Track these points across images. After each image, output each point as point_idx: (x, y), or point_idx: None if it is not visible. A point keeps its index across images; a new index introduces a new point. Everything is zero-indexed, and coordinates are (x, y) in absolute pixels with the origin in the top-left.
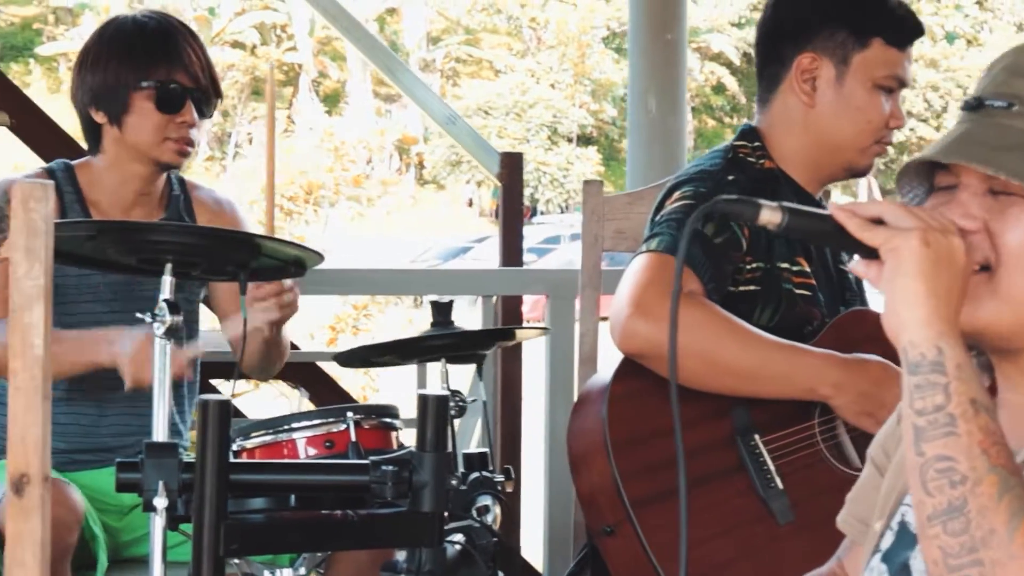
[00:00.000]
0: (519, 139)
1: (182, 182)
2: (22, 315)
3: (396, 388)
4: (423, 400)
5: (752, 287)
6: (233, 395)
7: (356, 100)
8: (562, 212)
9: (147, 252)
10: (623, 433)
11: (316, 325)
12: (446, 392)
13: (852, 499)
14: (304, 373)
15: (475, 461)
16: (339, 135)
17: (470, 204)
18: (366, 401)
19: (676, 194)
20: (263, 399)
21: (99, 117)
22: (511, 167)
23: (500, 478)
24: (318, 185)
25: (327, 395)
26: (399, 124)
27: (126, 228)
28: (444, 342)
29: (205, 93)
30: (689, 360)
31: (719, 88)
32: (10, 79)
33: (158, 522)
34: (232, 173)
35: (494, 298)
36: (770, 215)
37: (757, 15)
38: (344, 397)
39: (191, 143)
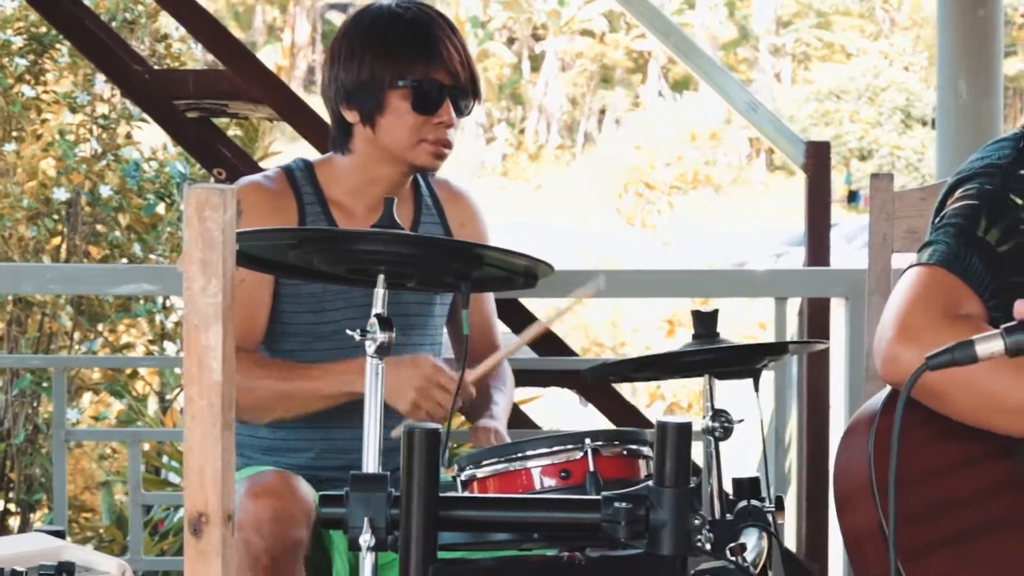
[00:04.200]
0: (871, 123)
1: (425, 176)
2: (198, 336)
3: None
4: (662, 429)
5: None
6: (520, 402)
7: (705, 85)
8: None
9: (356, 262)
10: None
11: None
12: (687, 420)
13: None
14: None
15: (745, 488)
16: (688, 122)
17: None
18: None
19: (957, 192)
20: (549, 405)
21: (351, 116)
22: (817, 157)
23: (771, 508)
24: (666, 174)
25: (611, 407)
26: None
27: (331, 237)
28: (706, 357)
29: (464, 91)
30: (963, 392)
31: None
32: (273, 74)
33: (367, 561)
34: (581, 162)
35: (790, 301)
36: None
37: None
38: (630, 413)
39: (448, 145)
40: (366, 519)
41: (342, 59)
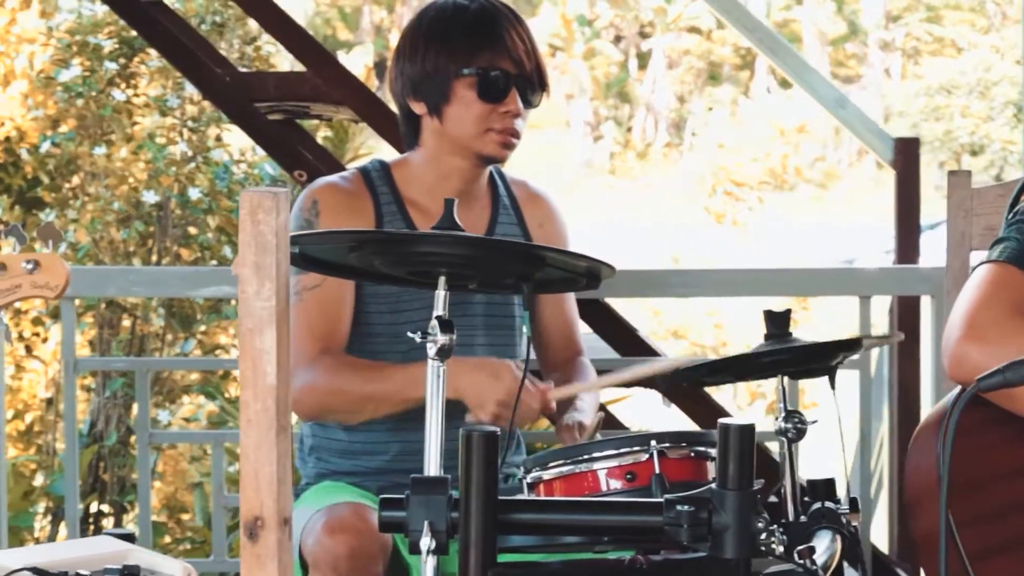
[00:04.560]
0: (983, 118)
1: (502, 175)
2: (252, 339)
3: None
4: (724, 431)
5: None
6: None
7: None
8: None
9: (416, 264)
10: (959, 474)
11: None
12: (750, 422)
13: None
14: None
15: (820, 489)
16: (797, 118)
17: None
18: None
19: None
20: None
21: (418, 108)
22: (906, 154)
23: (845, 509)
24: (768, 171)
25: (695, 408)
26: (857, 105)
27: (391, 239)
28: (779, 357)
29: (530, 81)
30: None
31: None
32: (354, 76)
33: (429, 564)
34: (688, 160)
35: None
36: None
37: None
38: (715, 413)
39: (516, 134)
40: (426, 522)
41: (407, 53)
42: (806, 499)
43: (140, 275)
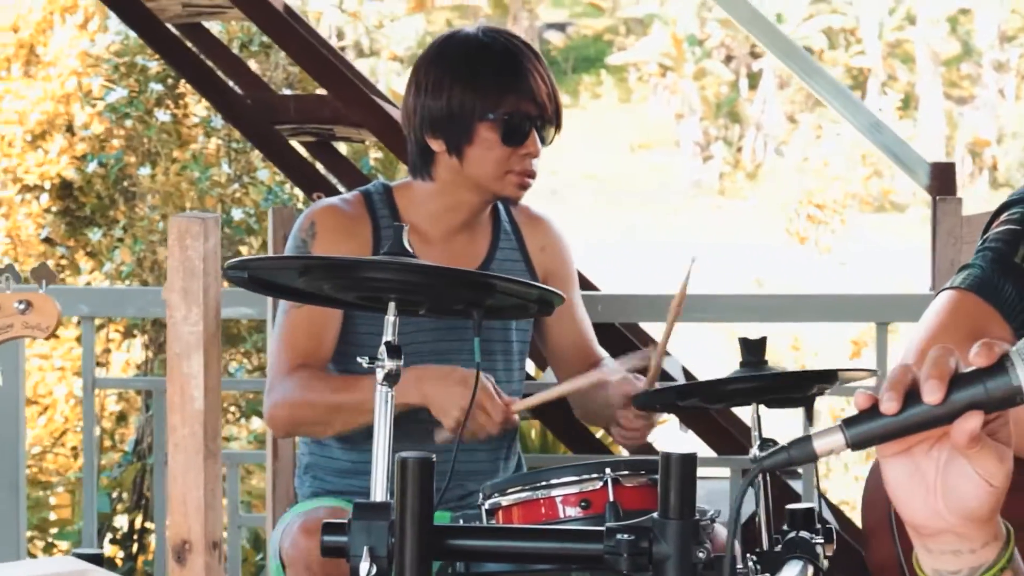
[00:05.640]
0: None
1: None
2: (180, 364)
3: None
4: (665, 459)
5: None
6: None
7: (927, 102)
8: None
9: (364, 289)
10: None
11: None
12: (692, 451)
13: None
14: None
15: (799, 518)
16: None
17: None
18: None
19: (1003, 215)
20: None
21: (436, 145)
22: (942, 179)
23: (820, 540)
24: (850, 194)
25: (709, 434)
26: (970, 126)
27: (335, 264)
28: (751, 385)
29: (549, 121)
30: None
31: None
32: (376, 96)
33: None
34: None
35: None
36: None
37: None
38: (732, 443)
39: (532, 175)
40: (366, 548)
41: (429, 89)
42: (784, 527)
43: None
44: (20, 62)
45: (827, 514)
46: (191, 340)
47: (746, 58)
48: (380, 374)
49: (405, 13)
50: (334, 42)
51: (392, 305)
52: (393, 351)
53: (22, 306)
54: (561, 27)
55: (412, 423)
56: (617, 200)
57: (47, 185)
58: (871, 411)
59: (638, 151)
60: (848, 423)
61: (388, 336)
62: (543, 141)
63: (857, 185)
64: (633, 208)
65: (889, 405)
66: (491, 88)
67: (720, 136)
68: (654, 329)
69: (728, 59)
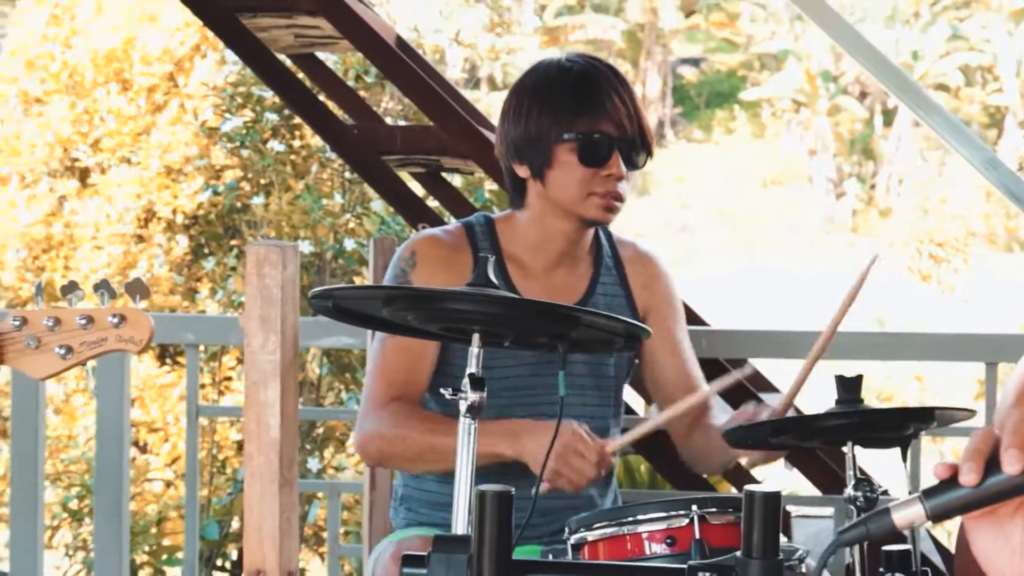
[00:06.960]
0: None
1: (609, 236)
2: (257, 392)
3: None
4: (749, 497)
5: None
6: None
7: None
8: None
9: (448, 320)
10: None
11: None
12: (776, 489)
13: None
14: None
15: (895, 561)
16: None
17: None
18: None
19: None
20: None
21: (522, 171)
22: None
23: None
24: (971, 232)
25: (814, 472)
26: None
27: (420, 295)
28: (844, 422)
29: (632, 143)
30: None
31: None
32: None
33: None
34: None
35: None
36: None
37: None
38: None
39: (619, 198)
40: None
41: (511, 116)
42: (880, 569)
43: None
44: (160, 92)
45: (933, 553)
46: (268, 368)
47: (881, 95)
48: (463, 406)
49: (539, 47)
50: (460, 76)
51: (476, 337)
52: (476, 383)
53: (116, 320)
54: (695, 62)
55: (519, 470)
56: (748, 236)
57: (179, 219)
58: (951, 481)
59: (770, 187)
60: (928, 494)
61: (472, 368)
62: (631, 164)
63: (978, 223)
64: (764, 244)
65: (969, 477)
66: (566, 109)
67: (853, 173)
68: (761, 365)
69: (863, 96)
